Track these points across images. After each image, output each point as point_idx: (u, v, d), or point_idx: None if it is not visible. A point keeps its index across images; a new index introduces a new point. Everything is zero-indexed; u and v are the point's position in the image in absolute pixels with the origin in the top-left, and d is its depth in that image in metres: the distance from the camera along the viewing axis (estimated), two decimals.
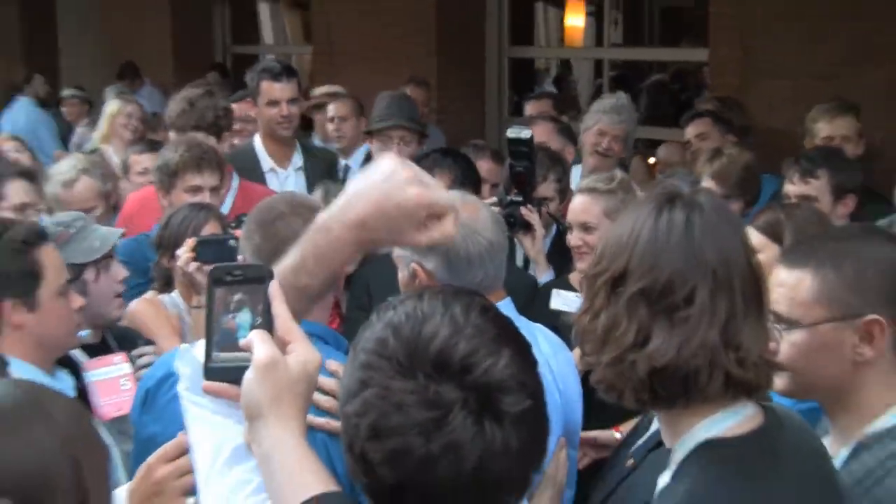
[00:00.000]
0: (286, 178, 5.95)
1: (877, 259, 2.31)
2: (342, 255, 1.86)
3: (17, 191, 4.69)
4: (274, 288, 1.78)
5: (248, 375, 1.72)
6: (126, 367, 3.51)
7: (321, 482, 1.68)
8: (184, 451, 2.42)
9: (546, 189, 4.96)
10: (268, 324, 1.77)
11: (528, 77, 11.56)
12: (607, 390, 1.96)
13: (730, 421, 1.91)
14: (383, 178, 1.82)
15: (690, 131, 6.47)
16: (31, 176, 4.95)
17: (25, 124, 10.34)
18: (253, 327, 1.77)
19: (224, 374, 1.77)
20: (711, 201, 1.98)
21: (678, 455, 1.93)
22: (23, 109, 11.20)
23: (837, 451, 2.29)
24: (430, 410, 1.51)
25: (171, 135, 5.60)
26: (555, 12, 12.52)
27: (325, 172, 5.78)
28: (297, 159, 6.03)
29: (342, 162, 6.37)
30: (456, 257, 2.95)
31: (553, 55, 12.99)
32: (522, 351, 1.62)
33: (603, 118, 6.10)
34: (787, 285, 2.35)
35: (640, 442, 2.44)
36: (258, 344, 1.73)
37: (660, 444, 2.21)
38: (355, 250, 1.86)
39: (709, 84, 8.03)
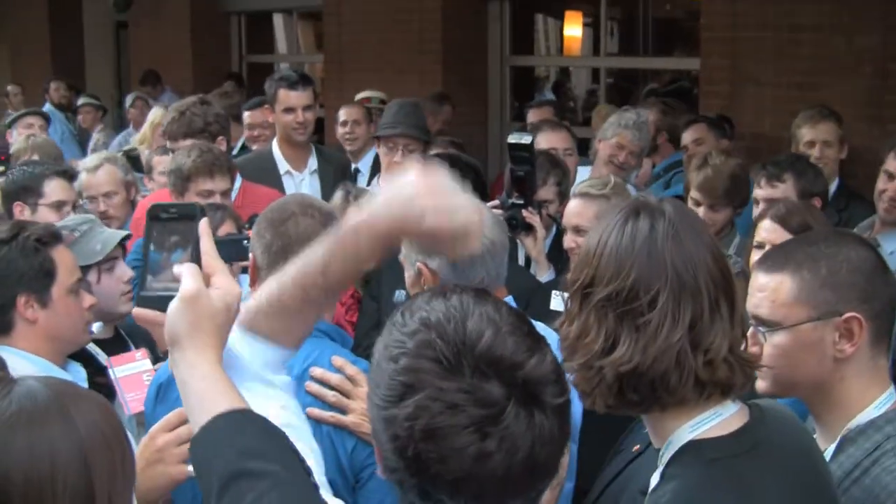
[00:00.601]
0: (301, 181, 5.97)
1: (849, 259, 2.30)
2: (366, 260, 1.85)
3: (56, 189, 4.72)
4: (203, 225, 1.84)
5: (173, 305, 1.76)
6: (147, 364, 3.48)
7: (230, 401, 1.70)
8: (184, 421, 2.43)
9: (546, 192, 4.88)
10: (196, 258, 1.83)
11: (528, 84, 11.57)
12: (580, 396, 1.93)
13: (713, 421, 1.88)
14: (406, 199, 1.77)
15: (687, 137, 6.48)
16: (69, 175, 4.99)
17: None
18: (183, 261, 1.82)
19: (155, 301, 1.82)
20: (676, 209, 1.95)
21: (665, 457, 1.90)
22: None
23: (824, 447, 2.26)
24: (484, 408, 1.49)
25: (168, 143, 5.58)
26: (554, 23, 12.52)
27: (339, 175, 5.77)
28: (312, 163, 6.05)
29: (352, 165, 6.34)
30: (460, 256, 2.97)
31: (552, 63, 12.98)
32: (549, 346, 1.61)
33: (625, 133, 6.03)
34: (768, 289, 2.33)
35: (646, 430, 2.44)
36: (186, 276, 1.77)
37: None
38: (380, 256, 1.86)
39: (700, 92, 8.04)
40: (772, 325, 2.31)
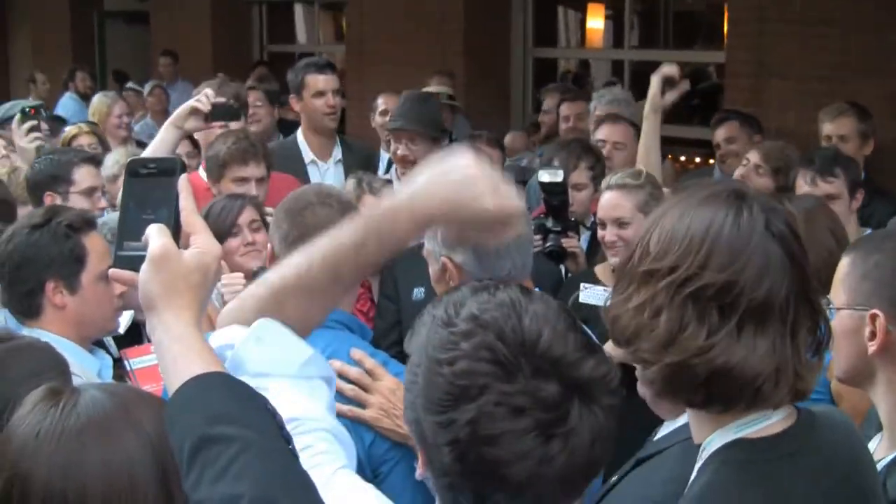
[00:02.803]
0: (326, 170, 5.94)
1: None
2: (402, 242, 1.85)
3: (85, 176, 4.73)
4: (182, 182, 1.77)
5: (144, 267, 1.71)
6: None
7: (205, 364, 1.63)
8: None
9: (579, 176, 4.92)
10: (174, 215, 1.76)
11: (549, 76, 11.49)
12: (663, 390, 1.81)
13: (760, 423, 1.79)
14: (461, 179, 1.79)
15: (719, 134, 6.39)
16: (97, 161, 5.02)
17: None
18: (163, 219, 1.75)
19: (130, 262, 1.75)
20: (775, 202, 1.86)
21: (705, 452, 1.82)
22: (64, 104, 11.16)
23: (891, 452, 2.20)
24: (548, 411, 1.48)
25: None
26: (575, 15, 12.47)
27: (362, 165, 5.71)
28: (337, 152, 6.01)
29: (385, 155, 6.20)
30: (485, 250, 2.90)
31: (575, 56, 12.90)
32: (601, 347, 1.59)
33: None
34: (838, 266, 2.31)
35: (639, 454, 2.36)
36: (153, 237, 1.71)
37: (646, 458, 2.16)
38: (417, 236, 1.87)
39: (724, 85, 7.96)
40: (828, 304, 2.23)
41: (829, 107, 5.98)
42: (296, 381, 1.82)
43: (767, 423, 1.79)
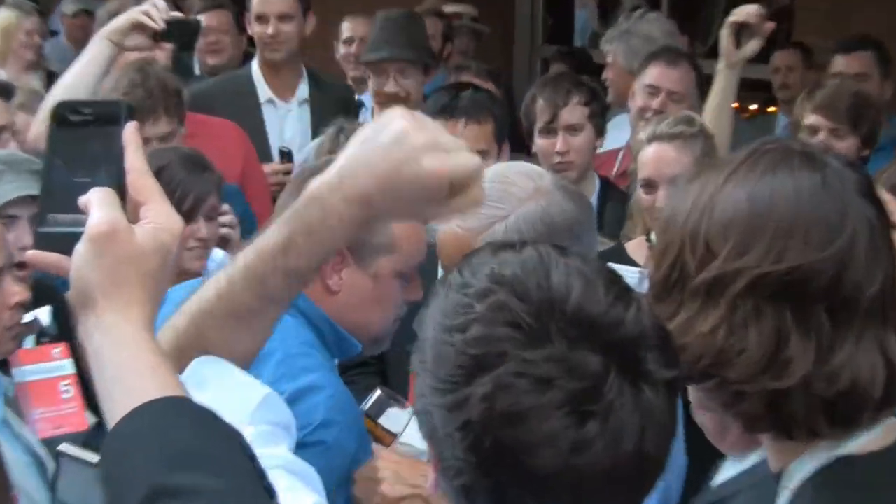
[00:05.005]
0: (287, 112, 5.11)
1: None
2: (340, 234, 1.57)
3: None
4: (129, 133, 1.45)
5: (80, 248, 1.37)
6: (67, 366, 2.86)
7: (160, 384, 1.32)
8: None
9: (571, 114, 4.28)
10: (118, 176, 1.42)
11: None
12: (766, 425, 1.56)
13: (864, 437, 1.57)
14: (392, 142, 1.52)
15: (777, 60, 6.34)
16: (7, 92, 4.23)
17: None
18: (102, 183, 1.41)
19: (57, 242, 1.41)
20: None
21: (794, 480, 1.60)
22: None
23: None
24: (581, 381, 1.28)
25: None
26: None
27: (339, 110, 4.84)
28: (303, 90, 5.14)
29: (355, 97, 5.52)
30: (461, 213, 2.69)
31: None
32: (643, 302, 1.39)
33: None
34: None
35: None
36: (96, 206, 1.37)
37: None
38: (358, 228, 1.58)
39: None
40: None
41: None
42: (250, 431, 1.53)
43: (868, 438, 1.60)
